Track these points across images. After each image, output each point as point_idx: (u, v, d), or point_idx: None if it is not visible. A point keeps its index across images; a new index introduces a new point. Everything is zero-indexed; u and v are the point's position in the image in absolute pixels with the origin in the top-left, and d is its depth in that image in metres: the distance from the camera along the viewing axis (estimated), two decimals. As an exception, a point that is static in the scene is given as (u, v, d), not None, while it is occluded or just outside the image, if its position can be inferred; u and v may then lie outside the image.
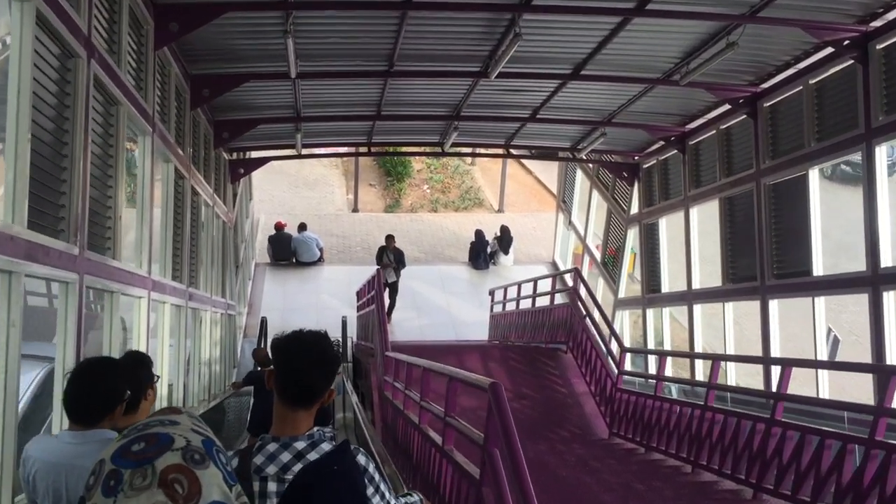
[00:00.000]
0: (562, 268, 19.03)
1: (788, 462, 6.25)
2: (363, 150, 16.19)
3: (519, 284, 14.62)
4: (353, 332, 15.87)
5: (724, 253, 11.94)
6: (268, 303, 18.32)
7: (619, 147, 14.93)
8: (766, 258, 10.61)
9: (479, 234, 20.52)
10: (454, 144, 14.70)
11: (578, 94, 12.19)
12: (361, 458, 2.51)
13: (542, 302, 13.93)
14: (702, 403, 7.73)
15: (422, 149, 16.50)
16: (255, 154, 15.34)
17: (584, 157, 15.29)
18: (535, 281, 13.98)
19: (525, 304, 14.46)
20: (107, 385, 3.06)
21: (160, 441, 1.33)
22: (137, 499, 1.27)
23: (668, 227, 14.36)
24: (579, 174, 18.71)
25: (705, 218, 13.40)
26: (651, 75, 10.91)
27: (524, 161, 27.75)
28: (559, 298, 13.38)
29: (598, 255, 17.50)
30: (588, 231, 18.14)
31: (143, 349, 7.41)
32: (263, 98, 11.86)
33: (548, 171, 27.32)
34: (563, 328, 12.08)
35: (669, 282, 14.33)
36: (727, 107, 12.02)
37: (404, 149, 16.94)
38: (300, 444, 2.39)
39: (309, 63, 10.10)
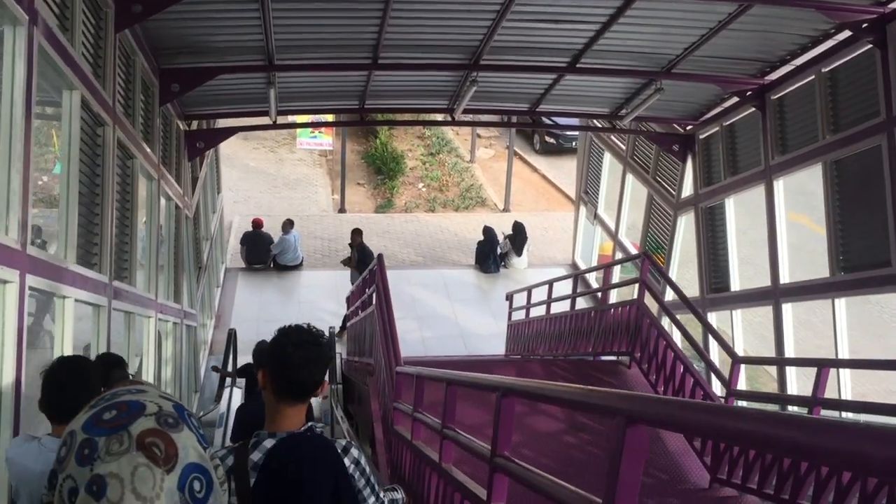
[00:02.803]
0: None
1: None
2: (355, 117, 13.16)
3: (550, 283, 11.68)
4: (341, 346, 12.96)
5: (833, 234, 9.05)
6: (239, 313, 15.30)
7: (669, 113, 12.08)
8: (908, 234, 7.77)
9: (488, 232, 17.49)
10: (467, 110, 11.77)
11: (634, 32, 9.39)
12: (354, 451, 2.59)
13: (581, 304, 11.07)
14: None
15: (428, 116, 13.40)
16: (219, 123, 12.33)
17: (626, 127, 12.41)
18: (576, 276, 11.05)
19: (558, 307, 11.54)
20: (81, 382, 3.01)
21: (132, 408, 1.28)
22: (118, 462, 1.21)
23: (737, 208, 11.52)
24: (607, 157, 15.82)
25: (790, 195, 10.59)
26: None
27: (529, 159, 25.24)
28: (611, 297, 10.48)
29: (635, 253, 14.60)
30: (621, 225, 15.24)
31: (7, 363, 4.54)
32: (223, 33, 8.94)
33: (555, 168, 24.79)
34: (624, 334, 9.13)
35: (740, 277, 11.47)
36: (827, 45, 9.28)
37: (406, 116, 13.83)
38: None
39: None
